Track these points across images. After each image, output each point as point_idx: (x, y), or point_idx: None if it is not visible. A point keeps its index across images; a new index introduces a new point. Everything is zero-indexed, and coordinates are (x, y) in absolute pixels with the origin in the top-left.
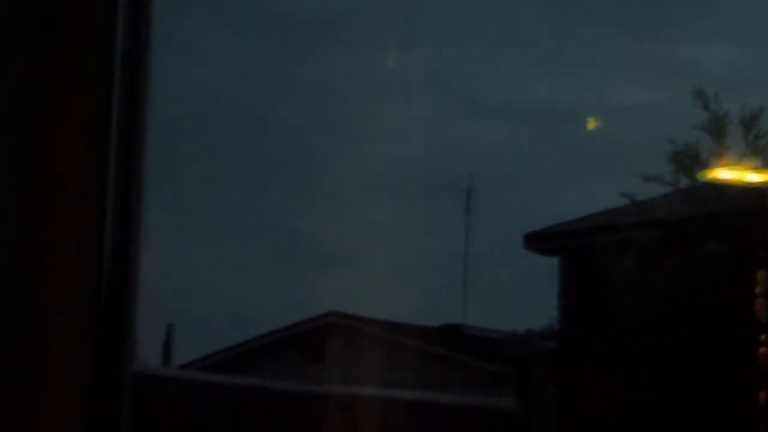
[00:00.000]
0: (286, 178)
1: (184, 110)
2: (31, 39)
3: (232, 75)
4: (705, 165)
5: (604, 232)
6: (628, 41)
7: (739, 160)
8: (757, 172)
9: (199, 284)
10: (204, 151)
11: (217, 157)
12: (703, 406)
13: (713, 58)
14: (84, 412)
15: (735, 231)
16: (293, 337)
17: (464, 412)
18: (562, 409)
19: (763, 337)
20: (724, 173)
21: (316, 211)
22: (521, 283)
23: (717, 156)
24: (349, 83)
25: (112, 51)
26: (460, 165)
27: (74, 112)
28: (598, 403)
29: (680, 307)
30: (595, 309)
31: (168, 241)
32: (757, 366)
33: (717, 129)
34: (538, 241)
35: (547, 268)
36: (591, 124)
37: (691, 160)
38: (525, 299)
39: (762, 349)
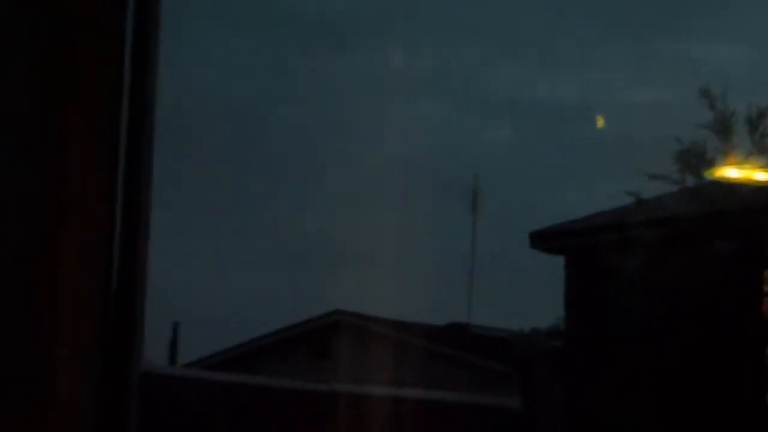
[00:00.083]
0: (290, 177)
1: (188, 110)
2: (41, 40)
3: (235, 74)
4: (711, 164)
5: (609, 231)
6: (633, 40)
7: (745, 159)
8: (764, 171)
9: (206, 283)
10: (210, 150)
11: (223, 156)
12: (710, 406)
13: (719, 56)
14: (93, 411)
15: (742, 230)
16: (299, 336)
17: (470, 411)
18: (568, 408)
19: None
20: (730, 172)
21: (321, 211)
22: (527, 282)
23: (723, 155)
24: (351, 83)
25: (121, 51)
26: (465, 164)
27: (82, 114)
28: (603, 402)
29: (687, 307)
30: (600, 308)
31: (174, 241)
32: (766, 365)
33: (723, 128)
34: (544, 240)
35: (553, 267)
36: (597, 123)
37: (698, 159)
38: (531, 298)
39: None
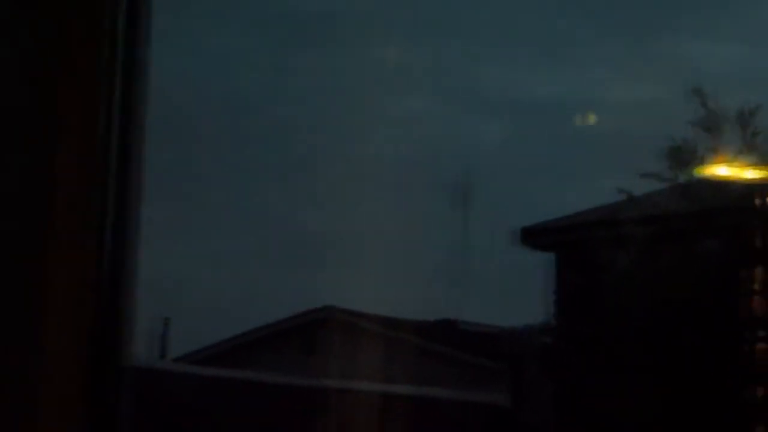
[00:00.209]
0: (281, 173)
1: (181, 105)
2: (31, 39)
3: (228, 69)
4: (701, 161)
5: (600, 227)
6: (625, 38)
7: (735, 157)
8: (754, 169)
9: (196, 278)
10: (200, 145)
11: (214, 152)
12: (700, 402)
13: (711, 54)
14: (82, 407)
15: (731, 227)
16: (288, 331)
17: (460, 408)
18: (558, 405)
19: (761, 333)
20: (720, 170)
21: (312, 206)
22: (517, 279)
23: (714, 152)
24: (344, 79)
25: (112, 48)
26: (456, 160)
27: (72, 111)
28: (594, 399)
29: (676, 303)
30: (591, 304)
31: (165, 236)
32: (755, 362)
33: (714, 125)
34: (535, 237)
35: (544, 263)
36: (588, 120)
37: (688, 157)
38: (521, 295)
39: (760, 346)
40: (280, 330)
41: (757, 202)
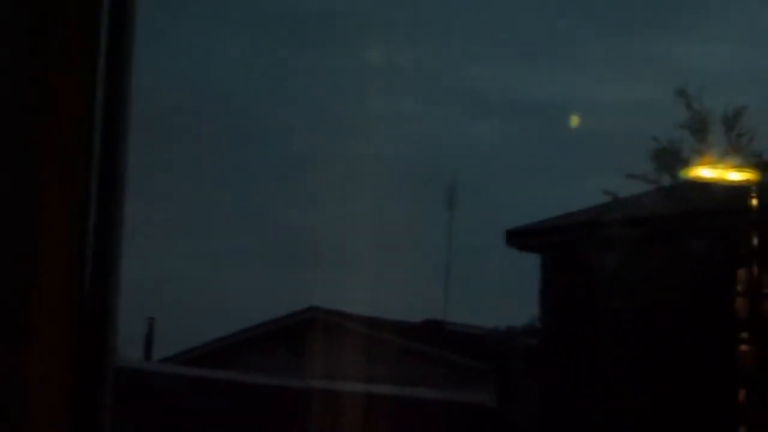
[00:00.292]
0: (270, 173)
1: (173, 105)
2: (15, 41)
3: (220, 70)
4: (687, 163)
5: (585, 229)
6: (614, 40)
7: (720, 159)
8: (738, 171)
9: (182, 279)
10: (189, 147)
11: (202, 153)
12: (684, 402)
13: (697, 56)
14: (69, 407)
15: (716, 229)
16: (274, 332)
17: (446, 408)
18: (544, 405)
19: (743, 335)
20: (705, 171)
21: (300, 207)
22: (503, 280)
23: (699, 154)
24: (336, 80)
25: (95, 52)
26: (445, 161)
27: (57, 115)
28: (578, 399)
29: (661, 304)
30: (576, 305)
31: (152, 237)
32: (738, 364)
33: (699, 127)
34: (521, 238)
35: (530, 264)
36: (575, 121)
37: (674, 158)
38: (507, 296)
39: (742, 347)
40: (266, 331)
41: (743, 203)
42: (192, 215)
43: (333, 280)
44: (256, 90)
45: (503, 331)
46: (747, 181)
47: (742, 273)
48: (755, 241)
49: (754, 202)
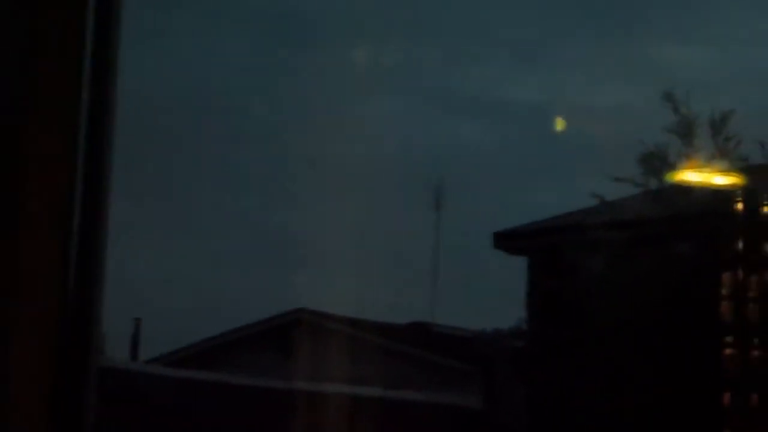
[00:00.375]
0: (255, 174)
1: (163, 105)
2: (3, 32)
3: (207, 69)
4: (673, 167)
5: (572, 232)
6: (601, 42)
7: (707, 163)
8: (724, 175)
9: (168, 279)
10: (173, 146)
11: (187, 152)
12: (669, 405)
13: (684, 59)
14: (50, 407)
15: (702, 233)
16: (261, 334)
17: (432, 410)
18: (530, 408)
19: (728, 338)
20: (691, 175)
21: (286, 208)
22: (490, 282)
23: (685, 158)
24: (320, 80)
25: (81, 53)
26: (432, 162)
27: (42, 116)
28: (565, 402)
29: (647, 308)
30: (562, 308)
31: (136, 236)
32: (722, 367)
33: (686, 131)
34: (507, 240)
35: (517, 267)
36: (562, 124)
37: (660, 162)
38: (494, 298)
39: (727, 351)
40: (252, 333)
41: (729, 207)
42: (179, 215)
43: (319, 282)
44: (253, 90)
45: (490, 333)
46: (733, 185)
47: (727, 276)
48: (740, 245)
49: (740, 206)
